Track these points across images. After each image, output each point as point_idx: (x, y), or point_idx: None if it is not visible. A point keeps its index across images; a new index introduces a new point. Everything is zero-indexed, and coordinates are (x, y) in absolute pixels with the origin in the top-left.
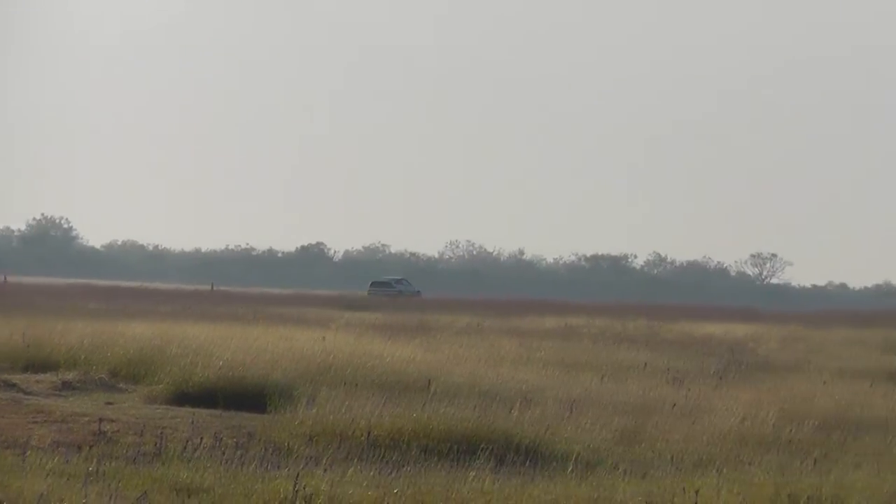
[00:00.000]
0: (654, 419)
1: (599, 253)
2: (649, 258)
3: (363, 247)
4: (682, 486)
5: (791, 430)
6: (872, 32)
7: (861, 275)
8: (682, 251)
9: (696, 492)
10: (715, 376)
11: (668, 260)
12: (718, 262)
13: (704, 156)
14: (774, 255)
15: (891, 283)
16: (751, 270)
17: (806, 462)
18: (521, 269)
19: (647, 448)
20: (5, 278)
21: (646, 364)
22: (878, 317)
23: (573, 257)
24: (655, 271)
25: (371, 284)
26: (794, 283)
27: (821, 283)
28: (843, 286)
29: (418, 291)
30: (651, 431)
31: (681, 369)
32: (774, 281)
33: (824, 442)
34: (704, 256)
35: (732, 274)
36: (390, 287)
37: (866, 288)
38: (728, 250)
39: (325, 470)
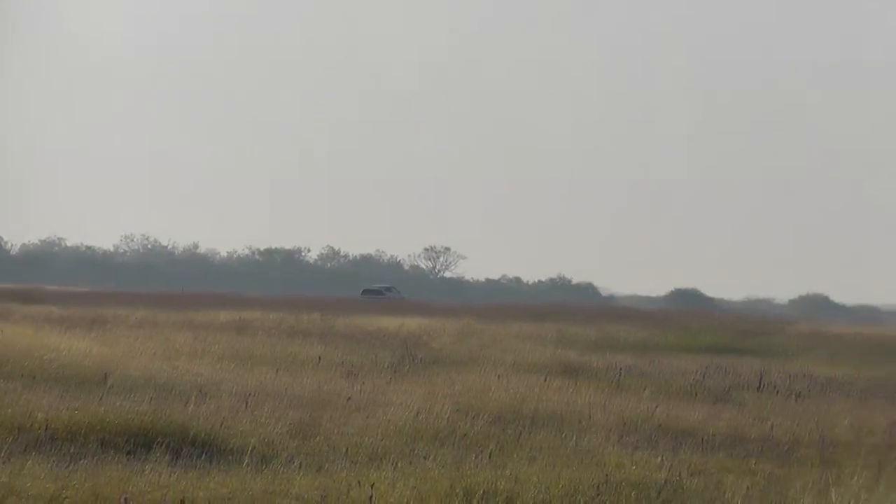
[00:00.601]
0: (328, 413)
1: (273, 247)
2: (323, 252)
3: (39, 240)
4: (358, 480)
5: (466, 424)
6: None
7: (534, 269)
8: (355, 245)
9: (372, 486)
10: (389, 370)
11: (342, 253)
12: (392, 256)
13: (378, 149)
14: (448, 249)
15: (564, 277)
16: (424, 264)
17: (481, 456)
18: (196, 263)
19: (322, 441)
20: None
21: (320, 358)
22: (551, 310)
23: (247, 251)
24: (329, 265)
25: (363, 291)
26: (469, 277)
27: (494, 276)
28: (517, 280)
29: (405, 298)
30: (326, 425)
31: (355, 363)
32: (448, 275)
33: (499, 436)
34: (377, 250)
35: (406, 267)
36: (380, 294)
37: (540, 282)
38: (401, 244)
39: (4, 462)
